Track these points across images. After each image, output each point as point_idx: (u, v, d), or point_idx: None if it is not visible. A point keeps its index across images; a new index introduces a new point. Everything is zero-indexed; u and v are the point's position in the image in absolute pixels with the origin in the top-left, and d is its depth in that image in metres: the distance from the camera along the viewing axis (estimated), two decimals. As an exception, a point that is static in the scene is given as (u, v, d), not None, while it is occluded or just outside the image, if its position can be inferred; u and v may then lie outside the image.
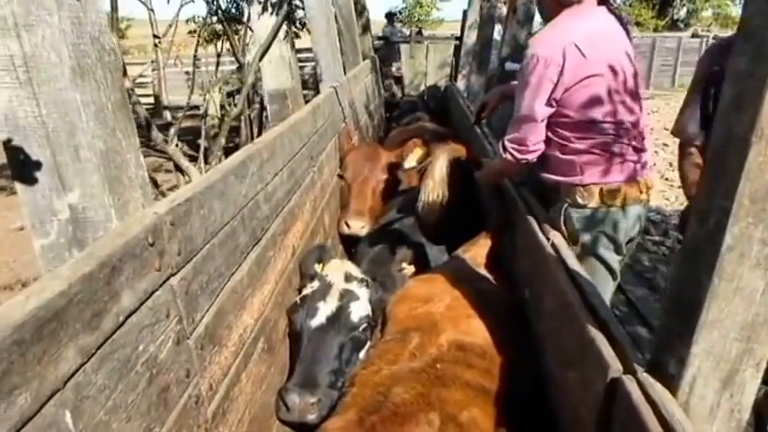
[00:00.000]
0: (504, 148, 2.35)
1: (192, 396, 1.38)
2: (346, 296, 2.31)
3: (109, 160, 1.19)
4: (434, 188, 2.78)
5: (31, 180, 1.12)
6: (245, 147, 2.02)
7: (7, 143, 1.10)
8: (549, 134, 2.31)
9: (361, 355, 2.23)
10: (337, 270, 2.44)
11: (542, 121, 2.26)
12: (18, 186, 1.15)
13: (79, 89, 1.12)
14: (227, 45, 7.35)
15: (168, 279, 1.29)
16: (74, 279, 0.98)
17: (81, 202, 1.16)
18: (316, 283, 2.37)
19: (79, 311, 0.99)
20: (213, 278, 1.54)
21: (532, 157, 2.33)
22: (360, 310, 2.29)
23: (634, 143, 2.32)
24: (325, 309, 2.26)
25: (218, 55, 7.12)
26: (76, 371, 0.98)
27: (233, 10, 6.66)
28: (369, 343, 2.27)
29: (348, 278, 2.39)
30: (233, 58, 7.51)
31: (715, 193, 1.08)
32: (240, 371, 1.70)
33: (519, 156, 2.33)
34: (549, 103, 2.22)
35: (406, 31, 16.16)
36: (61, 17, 1.09)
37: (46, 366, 0.91)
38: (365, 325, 2.28)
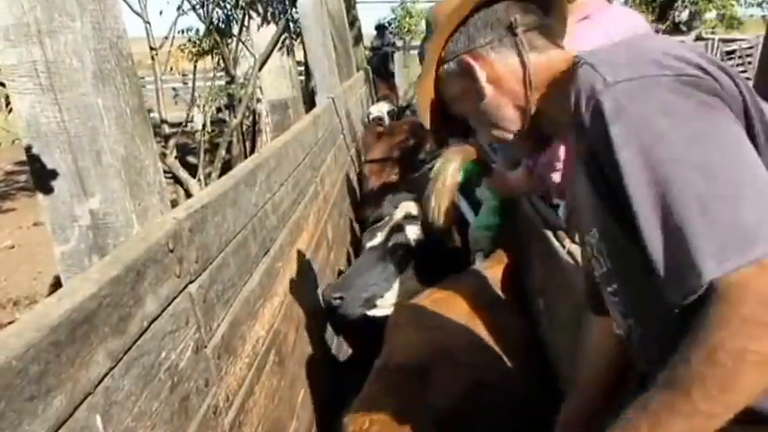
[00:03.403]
0: (531, 171, 2.26)
1: (211, 406, 1.42)
2: (396, 228, 2.88)
3: (129, 165, 1.24)
4: (444, 194, 2.82)
5: (52, 186, 1.17)
6: (253, 156, 2.07)
7: (29, 149, 1.15)
8: None
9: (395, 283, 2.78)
10: (404, 209, 3.00)
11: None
12: (39, 192, 1.19)
13: (101, 94, 1.18)
14: (216, 59, 7.46)
15: (187, 286, 1.33)
16: (103, 282, 1.02)
17: (102, 207, 1.21)
18: (387, 219, 2.99)
19: (107, 315, 1.03)
20: (227, 287, 1.58)
21: (556, 178, 2.17)
22: (400, 238, 2.87)
23: None
24: (380, 236, 2.87)
25: (214, 69, 7.22)
26: (106, 375, 1.02)
27: (221, 24, 6.76)
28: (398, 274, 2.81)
29: (407, 216, 2.96)
30: (221, 73, 7.61)
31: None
32: (254, 383, 1.74)
33: (548, 177, 2.19)
34: None
35: (399, 42, 16.34)
36: (83, 23, 1.14)
37: (78, 369, 0.95)
38: (401, 252, 2.82)
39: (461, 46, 1.21)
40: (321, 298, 2.75)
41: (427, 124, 1.32)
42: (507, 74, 1.18)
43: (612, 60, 0.98)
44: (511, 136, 1.23)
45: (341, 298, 2.67)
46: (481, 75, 1.18)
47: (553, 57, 1.19)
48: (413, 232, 2.89)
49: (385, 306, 2.73)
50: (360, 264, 2.89)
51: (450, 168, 2.89)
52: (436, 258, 2.81)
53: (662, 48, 0.99)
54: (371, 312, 2.75)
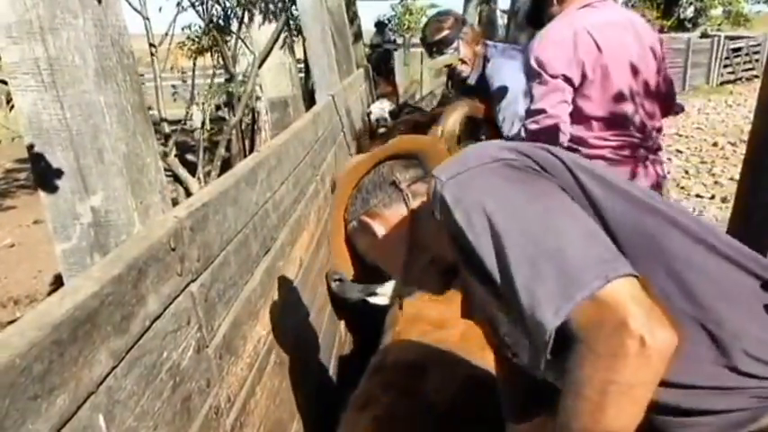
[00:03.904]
0: (526, 129, 2.35)
1: (213, 407, 1.43)
2: None
3: (131, 163, 1.25)
4: (442, 139, 2.88)
5: (53, 184, 1.18)
6: (254, 154, 2.08)
7: (30, 147, 1.16)
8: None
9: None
10: None
11: (560, 87, 2.26)
12: (40, 190, 1.21)
13: (103, 92, 1.19)
14: (216, 57, 7.48)
15: (188, 285, 1.34)
16: (105, 281, 1.03)
17: (104, 205, 1.22)
18: None
19: (110, 314, 1.04)
20: (229, 286, 1.59)
21: (550, 122, 2.28)
22: None
23: (655, 149, 2.39)
24: None
25: (214, 66, 7.25)
26: (108, 374, 1.03)
27: (220, 21, 6.78)
28: None
29: None
30: (220, 70, 7.64)
31: (758, 189, 1.11)
32: (255, 383, 1.75)
33: (535, 126, 2.30)
34: (567, 78, 2.26)
35: (399, 40, 16.36)
36: (85, 20, 1.16)
37: (81, 368, 0.96)
38: None
39: (359, 208, 1.42)
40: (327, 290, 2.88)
41: (350, 275, 1.54)
42: (401, 224, 1.36)
43: (446, 164, 1.15)
44: (419, 278, 1.41)
45: (340, 280, 2.83)
46: (379, 230, 1.38)
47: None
48: None
49: (385, 294, 2.80)
50: None
51: (451, 118, 2.95)
52: None
53: (497, 144, 1.18)
54: (371, 300, 2.85)
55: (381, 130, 5.72)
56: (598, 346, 0.88)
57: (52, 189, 1.18)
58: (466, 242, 1.03)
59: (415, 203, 1.36)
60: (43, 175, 1.18)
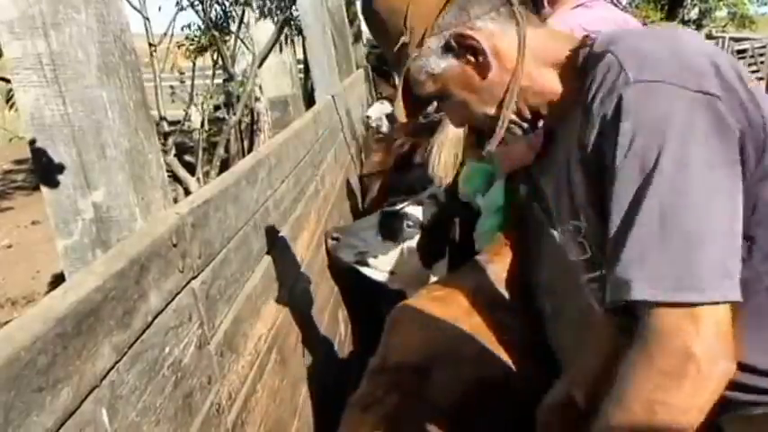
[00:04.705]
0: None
1: (214, 404, 1.44)
2: (418, 202, 3.01)
3: (133, 159, 1.27)
4: (447, 146, 2.90)
5: (55, 179, 1.20)
6: (254, 152, 2.10)
7: (32, 143, 1.18)
8: None
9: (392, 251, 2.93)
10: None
11: None
12: (43, 186, 1.22)
13: (105, 87, 1.20)
14: (215, 56, 7.51)
15: (190, 281, 1.36)
16: (107, 275, 1.04)
17: (106, 201, 1.24)
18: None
19: (112, 308, 1.05)
20: (230, 283, 1.61)
21: None
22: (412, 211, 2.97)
23: None
24: (400, 204, 3.01)
25: (214, 65, 7.28)
26: (111, 368, 1.04)
27: (219, 21, 6.81)
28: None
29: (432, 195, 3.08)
30: (219, 71, 7.66)
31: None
32: (256, 381, 1.76)
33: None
34: None
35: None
36: (88, 15, 1.17)
37: (85, 362, 0.97)
38: (397, 223, 2.94)
39: (453, 19, 1.08)
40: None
41: (403, 116, 1.21)
42: (509, 47, 1.08)
43: (638, 54, 0.95)
44: (511, 116, 1.12)
45: (337, 239, 2.98)
46: (485, 46, 1.07)
47: (554, 34, 1.15)
48: (418, 211, 3.01)
49: (377, 268, 2.89)
50: (368, 219, 3.13)
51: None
52: (438, 240, 2.91)
53: (708, 60, 0.95)
54: (364, 269, 2.94)
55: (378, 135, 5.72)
56: (659, 359, 0.84)
57: (54, 185, 1.20)
58: (610, 150, 0.92)
59: (530, 30, 1.08)
60: (45, 170, 1.20)
